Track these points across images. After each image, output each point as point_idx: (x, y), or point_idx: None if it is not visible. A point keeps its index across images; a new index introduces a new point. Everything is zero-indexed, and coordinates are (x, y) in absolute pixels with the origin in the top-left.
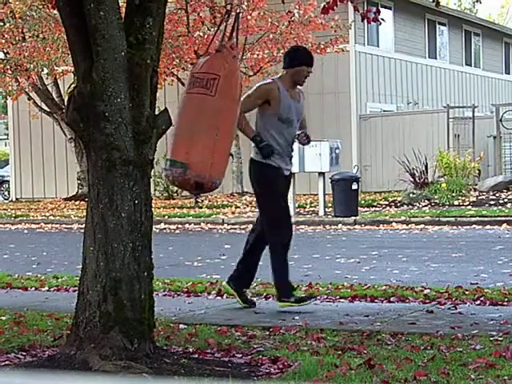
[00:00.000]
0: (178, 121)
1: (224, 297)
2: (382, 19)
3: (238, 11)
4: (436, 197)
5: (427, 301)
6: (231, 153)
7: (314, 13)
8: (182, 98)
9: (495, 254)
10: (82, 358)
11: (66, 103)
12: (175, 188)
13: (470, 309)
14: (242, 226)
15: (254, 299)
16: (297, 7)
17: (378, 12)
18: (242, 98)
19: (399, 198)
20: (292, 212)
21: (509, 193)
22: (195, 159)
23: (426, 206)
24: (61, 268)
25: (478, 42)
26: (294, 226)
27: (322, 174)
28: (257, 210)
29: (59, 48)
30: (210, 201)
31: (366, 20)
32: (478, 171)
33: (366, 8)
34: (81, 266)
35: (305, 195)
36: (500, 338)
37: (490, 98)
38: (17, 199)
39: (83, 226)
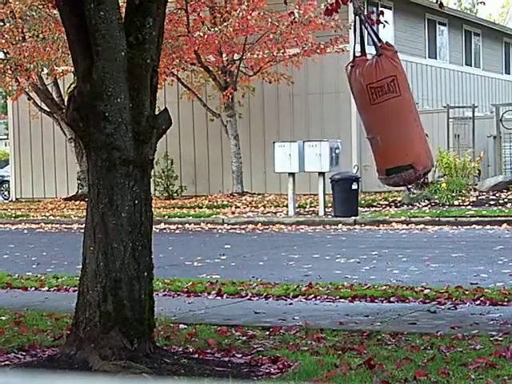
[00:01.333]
0: (379, 131)
1: (224, 297)
2: (386, 21)
3: (363, 12)
4: (436, 197)
5: (427, 301)
6: (426, 133)
7: (314, 13)
8: (367, 111)
9: (495, 254)
10: (81, 358)
11: (66, 103)
12: (175, 188)
13: (470, 309)
14: (242, 226)
15: (255, 299)
16: (297, 7)
17: (382, 14)
18: None
19: (399, 198)
20: (292, 212)
21: (509, 193)
22: (416, 155)
23: (426, 206)
24: (61, 268)
25: (478, 42)
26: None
27: (322, 174)
28: (256, 209)
29: (59, 48)
30: (210, 201)
31: (369, 22)
32: (478, 171)
33: (367, 9)
34: (81, 266)
35: (305, 195)
36: (500, 338)
37: (489, 97)
38: (17, 199)
39: (83, 226)
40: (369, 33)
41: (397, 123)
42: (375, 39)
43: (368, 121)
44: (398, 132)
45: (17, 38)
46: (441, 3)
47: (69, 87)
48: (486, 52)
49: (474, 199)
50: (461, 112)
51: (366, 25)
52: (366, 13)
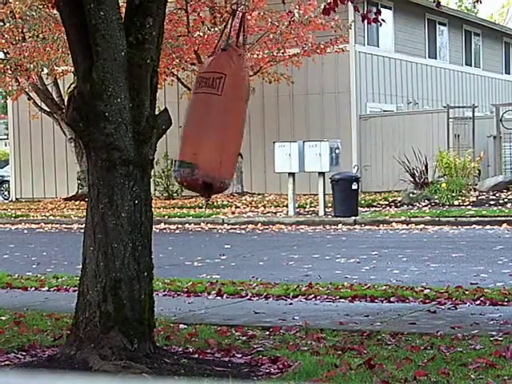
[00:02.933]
0: (186, 122)
1: (224, 297)
2: (383, 20)
3: (243, 10)
4: (436, 197)
5: (427, 301)
6: (240, 153)
7: (313, 13)
8: (190, 99)
9: (495, 254)
10: (81, 358)
11: (66, 103)
12: (175, 188)
13: (469, 309)
14: (242, 226)
15: (255, 299)
16: (297, 7)
17: (379, 13)
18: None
19: (399, 198)
20: (292, 212)
21: (509, 193)
22: (203, 159)
23: (426, 206)
24: (61, 268)
25: (478, 42)
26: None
27: (322, 173)
28: (256, 209)
29: (59, 48)
30: (210, 201)
31: (366, 20)
32: (478, 171)
33: (366, 8)
34: (81, 266)
35: (305, 195)
36: (500, 338)
37: (489, 97)
38: (17, 199)
39: (83, 226)
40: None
41: (202, 119)
42: (240, 37)
43: (186, 109)
44: (198, 129)
45: (17, 38)
46: (438, 3)
47: (69, 87)
48: (485, 52)
49: (474, 199)
50: (461, 112)
51: (242, 23)
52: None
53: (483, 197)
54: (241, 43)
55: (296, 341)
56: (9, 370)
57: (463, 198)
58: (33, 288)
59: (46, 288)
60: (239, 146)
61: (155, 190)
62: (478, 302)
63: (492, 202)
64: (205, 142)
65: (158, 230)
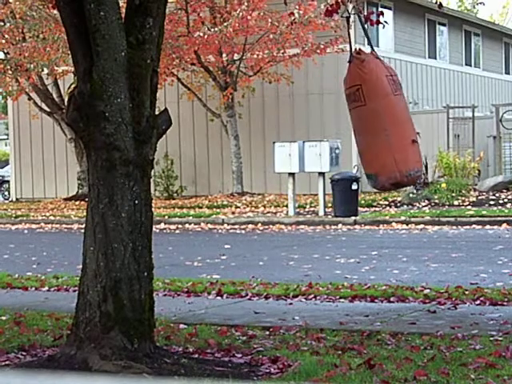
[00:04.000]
0: (355, 138)
1: (224, 297)
2: (386, 22)
3: (360, 13)
4: (436, 197)
5: (427, 301)
6: (414, 139)
7: (313, 13)
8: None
9: (495, 254)
10: (81, 358)
11: (66, 103)
12: (175, 188)
13: (470, 309)
14: (242, 226)
15: (255, 299)
16: (297, 7)
17: (382, 14)
18: None
19: (399, 198)
20: (292, 212)
21: (509, 193)
22: (378, 165)
23: (426, 206)
24: (61, 268)
25: (478, 42)
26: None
27: (322, 174)
28: (256, 209)
29: (59, 48)
30: (210, 201)
31: (368, 22)
32: (477, 171)
33: (367, 9)
34: (81, 266)
35: (305, 195)
36: (500, 338)
37: (489, 97)
38: (17, 199)
39: (83, 226)
40: (365, 34)
41: (362, 132)
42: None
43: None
44: (364, 140)
45: (17, 39)
46: (440, 4)
47: (69, 87)
48: (486, 52)
49: (474, 199)
50: (461, 112)
51: (365, 26)
52: (365, 13)
53: (483, 197)
54: (359, 49)
55: (296, 341)
56: (9, 370)
57: (463, 198)
58: (33, 288)
59: (46, 288)
60: (410, 134)
61: (155, 190)
62: (478, 302)
63: (492, 202)
64: (372, 150)
65: (158, 230)
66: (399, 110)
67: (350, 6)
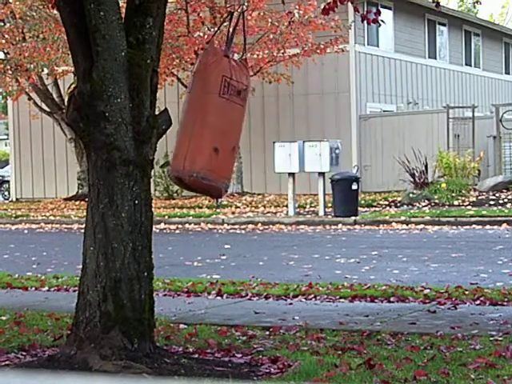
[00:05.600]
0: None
1: (224, 297)
2: (382, 21)
3: (243, 10)
4: (436, 197)
5: (427, 301)
6: (216, 147)
7: (313, 13)
8: None
9: (495, 254)
10: (81, 358)
11: (66, 103)
12: (175, 188)
13: (470, 309)
14: (242, 226)
15: (255, 299)
16: (297, 7)
17: (379, 13)
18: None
19: (399, 198)
20: (292, 212)
21: (509, 193)
22: (174, 154)
23: (425, 206)
24: (61, 268)
25: (478, 41)
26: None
27: (322, 174)
28: (256, 209)
29: (59, 48)
30: (210, 201)
31: (366, 21)
32: (477, 171)
33: (366, 8)
34: (81, 266)
35: (305, 195)
36: (500, 338)
37: (489, 97)
38: (17, 199)
39: (83, 226)
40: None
41: (181, 117)
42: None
43: None
44: (179, 127)
45: (17, 39)
46: (437, 3)
47: (69, 87)
48: (486, 52)
49: (474, 199)
50: (461, 112)
51: (238, 23)
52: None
53: (483, 197)
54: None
55: (296, 341)
56: (9, 370)
57: (463, 198)
58: (33, 288)
59: (46, 288)
60: (215, 141)
61: (155, 190)
62: (478, 302)
63: (492, 202)
64: (178, 137)
65: (158, 230)
66: (217, 114)
67: (237, 1)
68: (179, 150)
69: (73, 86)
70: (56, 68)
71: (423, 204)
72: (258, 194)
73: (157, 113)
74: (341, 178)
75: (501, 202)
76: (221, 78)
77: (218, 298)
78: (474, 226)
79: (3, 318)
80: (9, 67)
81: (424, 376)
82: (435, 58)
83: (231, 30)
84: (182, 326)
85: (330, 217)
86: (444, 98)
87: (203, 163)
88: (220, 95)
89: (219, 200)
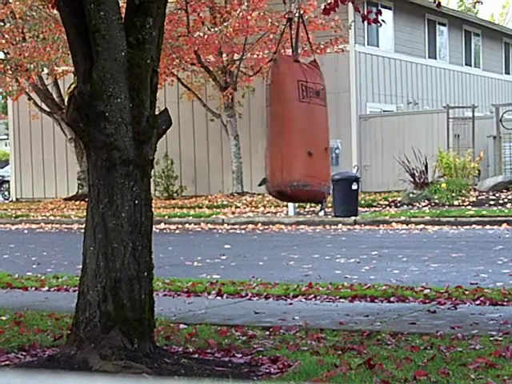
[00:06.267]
0: None
1: (224, 297)
2: (383, 20)
3: (300, 14)
4: (436, 197)
5: (427, 301)
6: (310, 151)
7: (313, 13)
8: None
9: (495, 254)
10: (81, 358)
11: (66, 103)
12: (175, 188)
13: (470, 309)
14: (242, 226)
15: (255, 299)
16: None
17: (380, 13)
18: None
19: (399, 198)
20: (292, 212)
21: (509, 193)
22: (269, 169)
23: (425, 206)
24: (61, 268)
25: (478, 42)
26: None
27: None
28: (256, 209)
29: (59, 48)
30: (210, 201)
31: (366, 21)
32: (477, 171)
33: (366, 8)
34: (81, 266)
35: None
36: (500, 338)
37: (489, 98)
38: (17, 199)
39: (83, 226)
40: (297, 35)
41: (266, 132)
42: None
43: None
44: (266, 141)
45: (17, 39)
46: (438, 3)
47: (69, 87)
48: (486, 52)
49: (474, 199)
50: (461, 112)
51: (299, 28)
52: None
53: (483, 197)
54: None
55: (296, 341)
56: (9, 370)
57: (463, 198)
58: (33, 288)
59: (46, 288)
60: (307, 145)
61: (155, 190)
62: (478, 302)
63: (492, 202)
64: (268, 152)
65: (158, 230)
66: (302, 118)
67: (293, 7)
68: (274, 165)
69: (73, 86)
70: (56, 68)
71: (423, 204)
72: (258, 194)
73: (157, 113)
74: (341, 178)
75: (501, 202)
76: (297, 84)
77: (218, 298)
78: (473, 226)
79: (3, 318)
80: (9, 67)
81: (424, 376)
82: (435, 58)
83: (294, 34)
84: (182, 325)
85: (330, 217)
86: (444, 98)
87: (301, 170)
88: (300, 100)
89: (323, 204)
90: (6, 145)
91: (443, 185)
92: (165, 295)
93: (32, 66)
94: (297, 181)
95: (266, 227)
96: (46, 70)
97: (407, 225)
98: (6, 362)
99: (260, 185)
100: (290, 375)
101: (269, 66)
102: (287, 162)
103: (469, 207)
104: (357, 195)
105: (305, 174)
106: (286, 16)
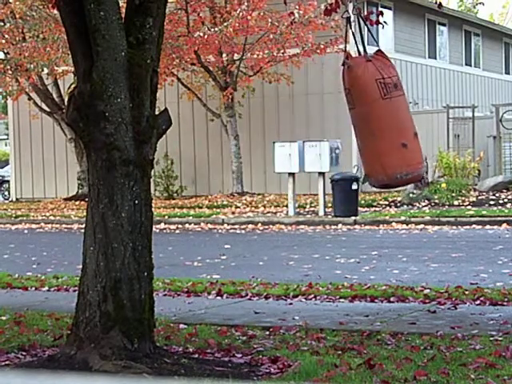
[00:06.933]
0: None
1: (224, 297)
2: (385, 22)
3: (358, 13)
4: (436, 197)
5: (427, 301)
6: (404, 142)
7: (314, 13)
8: None
9: (495, 254)
10: (81, 358)
11: (66, 103)
12: (175, 188)
13: (470, 309)
14: (242, 226)
15: (255, 299)
16: (297, 7)
17: (381, 14)
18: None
19: (399, 198)
20: (292, 212)
21: (509, 193)
22: (368, 167)
23: (425, 206)
24: (61, 268)
25: (478, 42)
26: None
27: (322, 173)
28: (256, 209)
29: (59, 48)
30: (210, 201)
31: (367, 22)
32: (477, 171)
33: (366, 9)
34: (81, 266)
35: (305, 195)
36: (500, 338)
37: (489, 98)
38: (17, 199)
39: (83, 226)
40: (361, 36)
41: (356, 133)
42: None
43: None
44: (358, 142)
45: (17, 39)
46: (440, 3)
47: (69, 87)
48: (486, 52)
49: (474, 199)
50: (461, 112)
51: (363, 27)
52: (365, 13)
53: (483, 197)
54: (349, 53)
55: (296, 341)
56: (9, 370)
57: (463, 198)
58: (33, 288)
59: (46, 288)
60: (401, 138)
61: (155, 190)
62: (478, 302)
63: (492, 202)
64: (364, 151)
65: (158, 230)
66: (389, 114)
67: (351, 6)
68: (373, 162)
69: (73, 86)
70: (56, 68)
71: (423, 204)
72: (258, 194)
73: (157, 113)
74: (341, 178)
75: (501, 202)
76: (376, 83)
77: (218, 298)
78: (473, 226)
79: (3, 318)
80: (9, 67)
81: (424, 376)
82: (435, 58)
83: (358, 33)
84: (181, 325)
85: (330, 217)
86: (444, 98)
87: (401, 162)
88: (383, 98)
89: (422, 183)
90: (6, 145)
91: (443, 185)
92: (165, 295)
93: (32, 65)
94: (399, 173)
95: (266, 227)
96: (46, 70)
97: (407, 225)
98: (6, 362)
99: (364, 182)
100: (290, 375)
101: (343, 71)
102: (387, 159)
103: (469, 207)
104: (357, 195)
105: (405, 164)
106: (344, 16)
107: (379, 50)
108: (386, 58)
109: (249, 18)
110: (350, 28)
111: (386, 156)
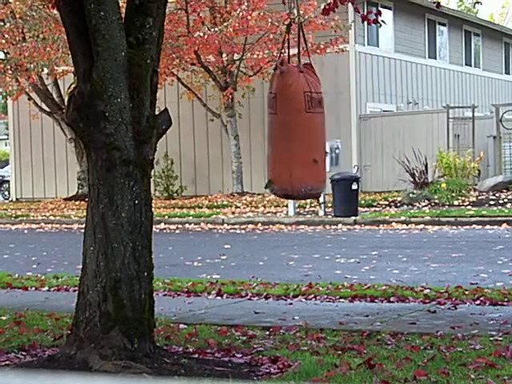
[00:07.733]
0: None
1: (224, 297)
2: (383, 21)
3: (300, 21)
4: (436, 197)
5: (427, 301)
6: (315, 159)
7: (313, 13)
8: None
9: (495, 254)
10: (81, 358)
11: (66, 103)
12: (175, 188)
13: (470, 309)
14: (242, 226)
15: (255, 299)
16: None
17: (379, 13)
18: None
19: (399, 198)
20: (292, 212)
21: (509, 193)
22: (275, 173)
23: (425, 206)
24: (61, 268)
25: (478, 42)
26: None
27: None
28: (256, 209)
29: (59, 48)
30: (210, 201)
31: (366, 21)
32: (477, 171)
33: (366, 9)
34: (81, 266)
35: None
36: (500, 338)
37: (489, 98)
38: (17, 199)
39: (83, 226)
40: (299, 42)
41: (269, 138)
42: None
43: None
44: (269, 146)
45: (17, 38)
46: (438, 3)
47: (69, 87)
48: (486, 52)
49: (474, 199)
50: (461, 112)
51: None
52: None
53: (483, 197)
54: (283, 59)
55: (296, 341)
56: (9, 370)
57: (463, 198)
58: (33, 288)
59: (46, 288)
60: (314, 153)
61: (155, 190)
62: (478, 302)
63: (492, 202)
64: (274, 157)
65: (158, 230)
66: (308, 128)
67: (295, 12)
68: (281, 169)
69: (73, 86)
70: (56, 68)
71: (423, 204)
72: (258, 194)
73: (157, 113)
74: (341, 177)
75: (501, 202)
76: (303, 95)
77: (218, 297)
78: (473, 226)
79: (3, 317)
80: (9, 67)
81: (424, 376)
82: (435, 58)
83: (296, 43)
84: (181, 326)
85: (329, 217)
86: (444, 98)
87: (310, 178)
88: (307, 111)
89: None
90: (6, 145)
91: (443, 185)
92: (165, 295)
93: (32, 65)
94: (305, 187)
95: (266, 227)
96: (46, 70)
97: (407, 225)
98: (6, 362)
99: (266, 187)
100: (290, 375)
101: (274, 74)
102: (296, 170)
103: (469, 207)
104: (357, 195)
105: (312, 180)
106: (285, 22)
107: (309, 64)
108: (314, 72)
109: (249, 18)
110: (288, 34)
111: (297, 168)
